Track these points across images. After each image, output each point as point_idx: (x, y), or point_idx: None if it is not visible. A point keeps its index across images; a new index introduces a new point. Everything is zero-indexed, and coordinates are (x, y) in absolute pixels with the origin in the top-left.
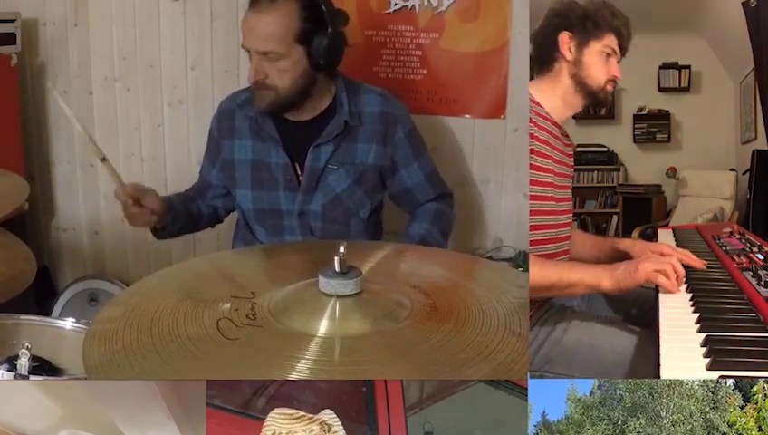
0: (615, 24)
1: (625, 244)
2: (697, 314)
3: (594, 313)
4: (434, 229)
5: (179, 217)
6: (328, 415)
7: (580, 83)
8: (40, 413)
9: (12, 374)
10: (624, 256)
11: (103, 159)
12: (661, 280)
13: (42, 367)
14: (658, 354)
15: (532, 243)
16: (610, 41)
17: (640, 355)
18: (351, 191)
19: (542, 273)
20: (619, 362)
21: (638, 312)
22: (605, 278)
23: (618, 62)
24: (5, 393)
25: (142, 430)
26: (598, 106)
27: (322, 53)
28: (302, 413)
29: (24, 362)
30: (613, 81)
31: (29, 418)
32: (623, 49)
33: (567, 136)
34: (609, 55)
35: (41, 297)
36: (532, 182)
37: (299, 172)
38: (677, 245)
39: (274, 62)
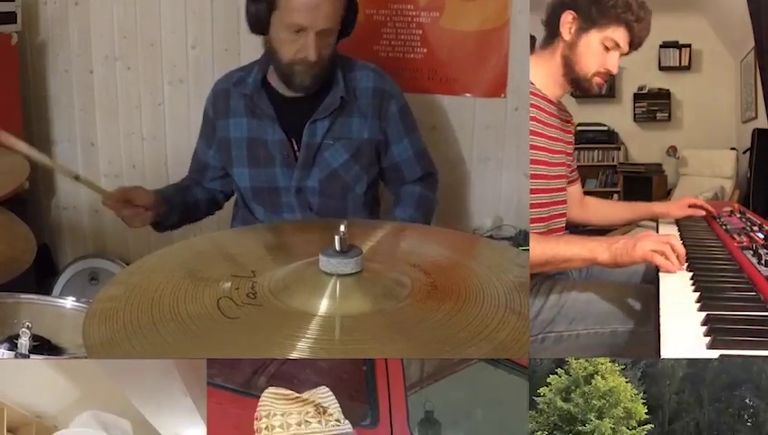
0: (626, 17)
1: (660, 207)
2: (698, 293)
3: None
4: (417, 215)
5: (176, 207)
6: (322, 394)
7: (567, 66)
8: (54, 392)
9: (12, 353)
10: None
11: (77, 178)
12: (659, 260)
13: (42, 346)
14: (659, 333)
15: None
16: (616, 34)
17: (640, 307)
18: (348, 166)
19: (539, 249)
20: (614, 310)
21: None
22: (602, 252)
23: (623, 55)
24: (20, 373)
25: (158, 407)
26: (583, 93)
27: (351, 22)
28: (297, 394)
29: (24, 341)
30: (605, 74)
31: (43, 397)
32: (634, 44)
33: (565, 111)
34: (608, 48)
35: (41, 276)
36: None
37: (296, 148)
38: (678, 224)
39: (326, 37)
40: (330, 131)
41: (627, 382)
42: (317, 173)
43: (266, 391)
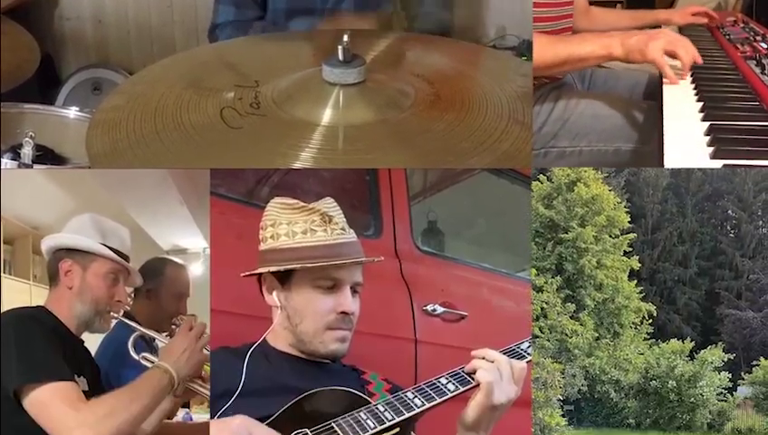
0: None
1: (663, 14)
2: (701, 103)
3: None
4: None
5: None
6: (327, 204)
7: None
8: (50, 203)
9: (16, 163)
10: None
11: None
12: (668, 72)
13: (45, 156)
14: (662, 143)
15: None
16: None
17: (645, 125)
18: None
19: (552, 50)
20: (619, 127)
21: None
22: (616, 47)
23: None
24: (14, 183)
25: (154, 216)
26: None
27: None
28: (302, 204)
29: (27, 151)
30: None
31: (39, 208)
32: None
33: None
34: None
35: (44, 86)
36: None
37: None
38: (681, 33)
39: None
40: None
41: (610, 191)
42: None
43: (272, 201)
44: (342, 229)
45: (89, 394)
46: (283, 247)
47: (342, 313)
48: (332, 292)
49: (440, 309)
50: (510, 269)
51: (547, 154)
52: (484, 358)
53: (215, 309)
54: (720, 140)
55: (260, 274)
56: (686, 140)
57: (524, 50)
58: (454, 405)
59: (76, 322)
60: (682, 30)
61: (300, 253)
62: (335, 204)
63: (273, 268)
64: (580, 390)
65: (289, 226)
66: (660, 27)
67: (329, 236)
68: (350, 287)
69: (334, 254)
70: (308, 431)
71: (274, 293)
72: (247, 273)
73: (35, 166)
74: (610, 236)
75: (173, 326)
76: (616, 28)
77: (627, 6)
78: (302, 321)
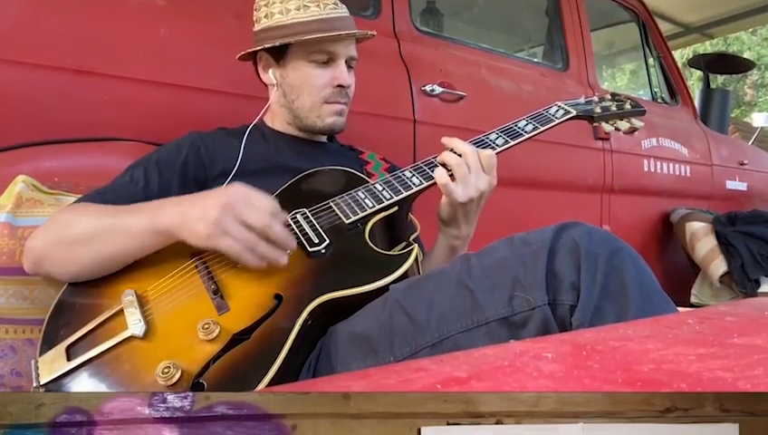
0: None
1: None
2: None
3: None
4: None
5: None
6: None
7: None
8: None
9: None
10: None
11: None
12: None
13: None
14: None
15: None
16: None
17: None
18: None
19: None
20: None
21: None
22: None
23: None
24: None
25: None
26: None
27: None
28: None
29: None
30: None
31: None
32: None
33: None
34: None
35: None
36: None
37: None
38: None
39: None
40: None
41: None
42: None
43: None
44: (335, 4)
45: None
46: (277, 25)
47: (339, 86)
48: (327, 66)
49: (439, 89)
50: (508, 49)
51: None
52: (452, 150)
53: (214, 90)
54: None
55: (255, 53)
56: None
57: None
58: None
59: None
60: None
61: (293, 29)
62: None
63: (267, 44)
64: None
65: (282, 4)
66: None
67: (321, 11)
68: (345, 62)
69: (327, 28)
70: (306, 211)
71: (270, 71)
72: (243, 52)
73: None
74: None
75: None
76: None
77: None
78: (299, 96)
